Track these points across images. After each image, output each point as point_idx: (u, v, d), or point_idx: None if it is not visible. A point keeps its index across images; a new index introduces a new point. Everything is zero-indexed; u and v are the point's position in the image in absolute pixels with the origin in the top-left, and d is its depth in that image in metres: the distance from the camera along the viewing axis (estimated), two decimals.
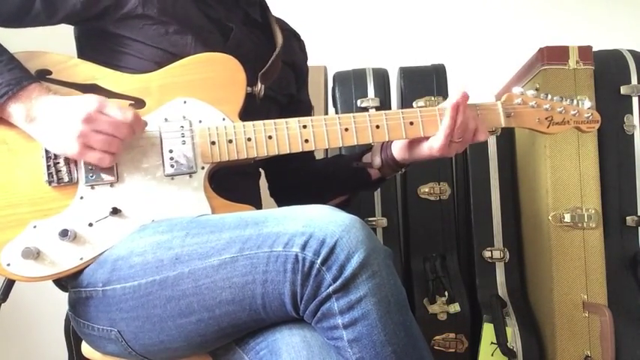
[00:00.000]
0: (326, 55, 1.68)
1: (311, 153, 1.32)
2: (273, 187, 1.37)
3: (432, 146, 1.07)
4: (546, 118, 1.12)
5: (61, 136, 0.91)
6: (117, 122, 0.92)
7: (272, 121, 1.02)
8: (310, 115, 1.33)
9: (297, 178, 1.31)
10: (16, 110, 0.92)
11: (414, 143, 1.12)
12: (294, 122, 1.03)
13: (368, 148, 1.23)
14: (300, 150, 1.03)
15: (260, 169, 1.27)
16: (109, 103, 0.93)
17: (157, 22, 1.04)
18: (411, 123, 1.06)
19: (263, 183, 1.28)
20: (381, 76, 1.68)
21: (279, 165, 1.25)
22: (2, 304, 0.98)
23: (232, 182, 1.07)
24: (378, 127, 1.05)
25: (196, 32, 1.06)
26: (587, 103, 1.14)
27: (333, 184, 1.28)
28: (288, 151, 1.02)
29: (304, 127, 1.03)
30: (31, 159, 0.96)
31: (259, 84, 1.11)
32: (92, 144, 0.91)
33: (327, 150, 1.57)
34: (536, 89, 1.42)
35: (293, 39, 1.33)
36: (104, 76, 1.01)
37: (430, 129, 1.07)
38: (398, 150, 1.15)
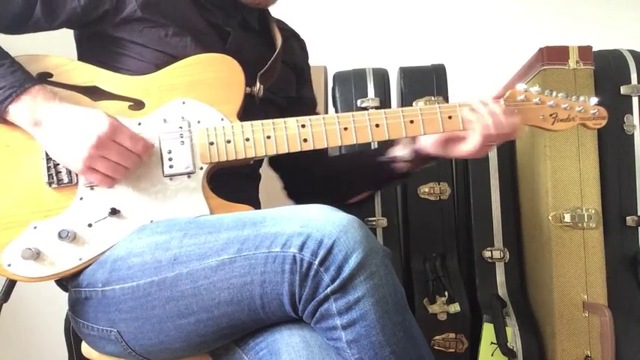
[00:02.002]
0: (326, 55, 1.68)
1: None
2: (289, 188, 1.36)
3: (469, 150, 1.07)
4: (551, 115, 1.09)
5: (68, 152, 0.92)
6: (126, 152, 0.93)
7: (270, 120, 1.02)
8: (314, 111, 1.34)
9: (311, 176, 1.29)
10: (19, 112, 0.93)
11: (452, 141, 1.11)
12: (292, 122, 1.02)
13: (391, 143, 1.20)
14: (299, 150, 1.02)
15: (260, 172, 1.27)
16: (121, 129, 0.93)
17: (156, 24, 1.04)
18: (411, 121, 1.05)
19: (263, 186, 1.28)
20: (381, 76, 1.68)
21: (288, 163, 1.25)
22: (3, 305, 0.99)
23: (232, 184, 1.07)
24: (377, 125, 1.04)
25: (195, 35, 1.07)
26: (594, 99, 1.11)
27: (354, 181, 1.27)
28: (287, 151, 1.02)
29: (303, 126, 1.03)
30: (31, 160, 0.97)
31: (258, 84, 1.11)
32: (97, 167, 0.92)
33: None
34: None
35: (293, 39, 1.33)
36: (104, 78, 1.01)
37: (430, 127, 1.06)
38: (432, 144, 1.13)
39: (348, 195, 1.30)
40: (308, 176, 1.30)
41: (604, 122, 1.12)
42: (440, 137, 1.12)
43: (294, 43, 1.33)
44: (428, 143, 1.14)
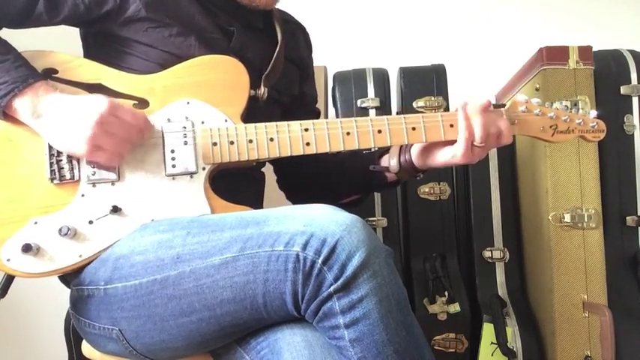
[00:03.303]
0: (326, 55, 1.67)
1: None
2: (282, 182, 1.36)
3: (455, 154, 1.05)
4: (550, 127, 1.10)
5: (71, 136, 0.92)
6: (129, 125, 0.93)
7: (274, 123, 1.02)
8: (314, 107, 1.34)
9: (308, 173, 1.29)
10: (22, 106, 0.93)
11: (433, 150, 1.10)
12: (295, 125, 1.03)
13: (385, 149, 1.20)
14: (302, 153, 1.03)
15: (263, 171, 1.27)
16: (120, 105, 0.94)
17: (160, 24, 1.05)
18: (414, 128, 1.05)
19: (267, 189, 1.28)
20: (381, 76, 1.68)
21: (287, 157, 1.25)
22: (1, 301, 0.99)
23: (233, 185, 1.07)
24: (380, 131, 1.05)
25: (200, 34, 1.07)
26: (593, 113, 1.13)
27: (346, 182, 1.27)
28: (290, 154, 1.02)
29: (306, 130, 1.03)
30: (34, 156, 0.97)
31: (262, 88, 1.12)
32: (103, 145, 0.92)
33: None
34: (537, 89, 1.43)
35: (299, 32, 1.32)
36: (109, 76, 1.02)
37: (432, 135, 1.06)
38: (416, 156, 1.13)
39: (339, 195, 1.30)
40: (300, 171, 1.30)
41: (602, 135, 1.13)
42: (423, 148, 1.12)
43: (300, 36, 1.33)
44: (414, 155, 1.14)
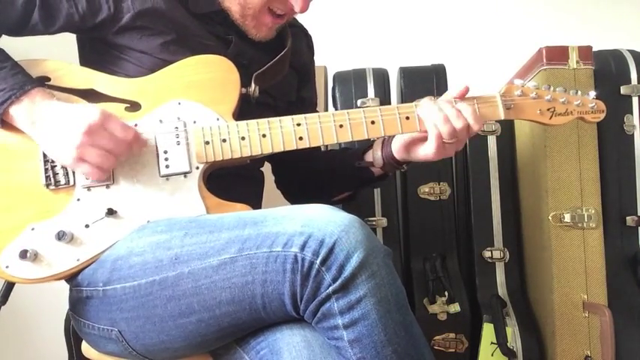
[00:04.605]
0: (326, 55, 1.67)
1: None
2: (279, 182, 1.37)
3: (427, 153, 1.06)
4: (548, 109, 1.09)
5: (60, 144, 0.92)
6: (116, 139, 0.93)
7: (266, 119, 1.02)
8: (313, 112, 1.33)
9: (302, 171, 1.30)
10: (18, 113, 0.94)
11: (413, 144, 1.11)
12: (287, 120, 1.03)
13: (369, 145, 1.21)
14: (295, 148, 1.03)
15: (262, 171, 1.27)
16: (111, 117, 0.93)
17: (154, 32, 1.05)
18: (407, 118, 1.05)
19: (267, 189, 1.28)
20: (381, 76, 1.67)
21: (283, 156, 1.25)
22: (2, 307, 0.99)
23: (234, 185, 1.07)
24: (373, 122, 1.04)
25: (194, 41, 1.07)
26: (592, 93, 1.11)
27: (336, 179, 1.28)
28: (283, 150, 1.02)
29: (298, 124, 1.03)
30: (29, 163, 0.97)
31: (253, 85, 1.11)
32: (87, 158, 0.92)
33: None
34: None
35: (301, 35, 1.32)
36: (100, 81, 1.02)
37: None
38: (397, 149, 1.14)
39: (331, 192, 1.30)
40: (294, 170, 1.30)
41: (602, 116, 1.12)
42: (403, 142, 1.12)
43: (303, 40, 1.32)
44: (395, 149, 1.14)
